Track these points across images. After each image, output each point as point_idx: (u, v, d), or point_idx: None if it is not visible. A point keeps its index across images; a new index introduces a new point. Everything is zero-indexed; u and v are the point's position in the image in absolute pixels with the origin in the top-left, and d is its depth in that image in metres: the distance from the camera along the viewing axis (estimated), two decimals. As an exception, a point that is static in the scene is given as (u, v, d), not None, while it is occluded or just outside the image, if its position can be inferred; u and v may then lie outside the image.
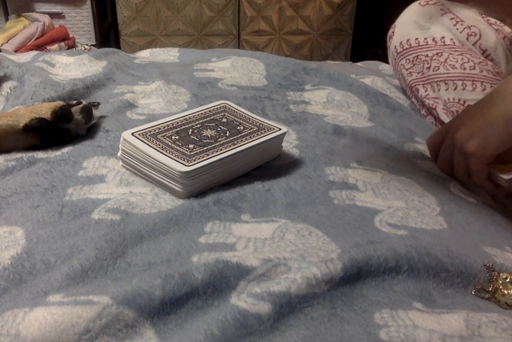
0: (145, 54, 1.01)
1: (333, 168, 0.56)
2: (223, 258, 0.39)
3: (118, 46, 2.47)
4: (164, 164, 0.49)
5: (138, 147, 0.50)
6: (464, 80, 0.79)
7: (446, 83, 0.81)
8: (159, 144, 0.51)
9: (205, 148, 0.52)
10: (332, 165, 0.57)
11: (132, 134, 0.52)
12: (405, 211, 0.50)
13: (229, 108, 0.61)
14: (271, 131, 0.56)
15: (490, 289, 0.40)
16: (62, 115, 0.59)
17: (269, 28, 2.36)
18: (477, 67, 0.79)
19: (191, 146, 0.52)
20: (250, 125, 0.57)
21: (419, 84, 0.84)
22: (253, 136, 0.55)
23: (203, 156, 0.50)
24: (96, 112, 0.65)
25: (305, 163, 0.57)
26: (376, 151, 0.62)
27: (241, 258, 0.39)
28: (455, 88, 0.80)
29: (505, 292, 0.40)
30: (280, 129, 0.57)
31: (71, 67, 0.82)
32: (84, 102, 0.63)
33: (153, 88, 0.76)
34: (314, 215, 0.48)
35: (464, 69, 0.79)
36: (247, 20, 2.43)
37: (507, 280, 0.40)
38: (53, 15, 2.24)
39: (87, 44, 2.24)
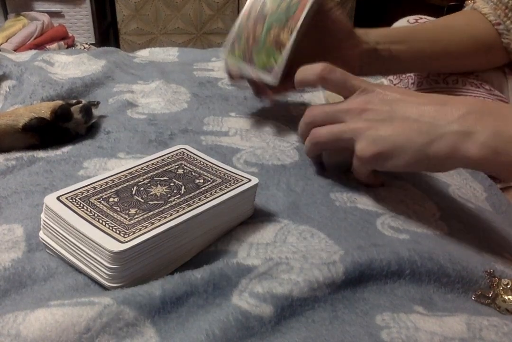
0: (144, 54, 1.01)
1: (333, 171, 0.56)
2: (223, 259, 0.39)
3: (117, 44, 2.47)
4: (92, 241, 0.36)
5: (61, 216, 0.38)
6: (448, 94, 0.79)
7: None
8: (90, 212, 0.39)
9: (151, 213, 0.39)
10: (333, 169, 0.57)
11: (58, 198, 0.40)
12: (406, 215, 0.49)
13: (187, 155, 0.49)
14: (238, 184, 0.44)
15: (490, 295, 0.40)
16: (61, 114, 0.59)
17: (268, 27, 2.36)
18: (460, 80, 0.79)
19: (132, 211, 0.40)
20: (212, 177, 0.45)
21: None
22: (215, 192, 0.43)
23: (145, 226, 0.38)
24: (96, 112, 0.65)
25: (305, 165, 0.57)
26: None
27: (242, 258, 0.39)
28: None
29: (506, 298, 0.40)
30: (249, 180, 0.45)
31: (70, 66, 0.82)
32: (83, 102, 0.63)
33: (153, 88, 0.76)
34: (316, 216, 0.48)
35: (447, 83, 0.80)
36: (247, 19, 2.41)
37: (508, 286, 0.40)
38: (52, 14, 2.24)
39: (86, 43, 2.24)
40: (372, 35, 0.67)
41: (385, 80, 0.88)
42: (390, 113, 0.44)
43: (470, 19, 0.77)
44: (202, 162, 0.48)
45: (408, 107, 0.43)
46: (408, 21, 0.87)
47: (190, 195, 0.42)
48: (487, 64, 0.80)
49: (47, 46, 2.01)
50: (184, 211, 0.40)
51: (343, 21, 0.62)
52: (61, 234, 0.39)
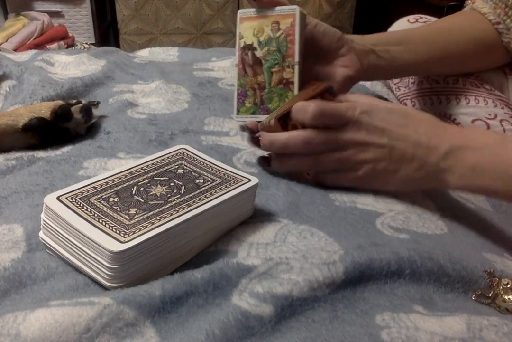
0: (144, 54, 1.02)
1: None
2: (223, 259, 0.39)
3: (117, 44, 2.47)
4: (92, 241, 0.36)
5: (61, 216, 0.38)
6: (448, 94, 0.79)
7: (430, 98, 0.81)
8: (90, 211, 0.39)
9: (150, 213, 0.39)
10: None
11: (58, 198, 0.40)
12: (406, 215, 0.50)
13: (188, 155, 0.49)
14: (238, 184, 0.44)
15: (490, 295, 0.40)
16: (61, 114, 0.59)
17: (268, 27, 2.35)
18: (460, 80, 0.79)
19: (132, 211, 0.40)
20: (212, 177, 0.45)
21: (407, 99, 0.84)
22: (215, 192, 0.43)
23: (145, 226, 0.38)
24: (96, 112, 0.65)
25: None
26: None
27: (242, 258, 0.39)
28: (440, 103, 0.80)
29: (506, 297, 0.40)
30: (249, 180, 0.45)
31: (70, 66, 0.82)
32: (83, 102, 0.63)
33: (153, 88, 0.76)
34: (316, 215, 0.48)
35: (447, 83, 0.80)
36: (247, 18, 2.41)
37: (508, 286, 0.40)
38: (52, 14, 2.24)
39: (86, 43, 2.24)
40: (368, 39, 0.68)
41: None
42: (388, 149, 0.50)
43: (469, 20, 0.77)
44: (202, 162, 0.48)
45: (404, 145, 0.49)
46: (408, 21, 0.87)
47: (190, 195, 0.42)
48: (488, 65, 0.80)
49: (47, 46, 2.01)
50: (184, 211, 0.40)
51: (331, 31, 0.64)
52: (61, 234, 0.39)
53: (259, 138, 0.53)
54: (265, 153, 0.56)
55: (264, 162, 0.56)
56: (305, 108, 0.50)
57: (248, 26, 0.61)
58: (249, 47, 0.61)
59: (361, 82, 0.84)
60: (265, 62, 0.60)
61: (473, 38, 0.75)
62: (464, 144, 0.48)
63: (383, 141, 0.50)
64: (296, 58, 0.58)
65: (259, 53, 0.60)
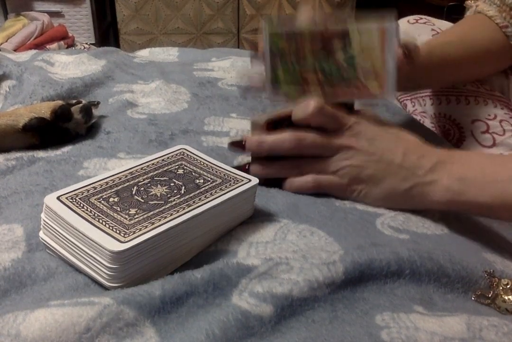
0: (144, 54, 1.02)
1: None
2: (223, 259, 0.39)
3: (117, 44, 2.47)
4: (92, 240, 0.36)
5: (61, 216, 0.38)
6: (448, 95, 0.79)
7: (431, 98, 0.82)
8: (90, 211, 0.39)
9: (151, 213, 0.39)
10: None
11: (58, 198, 0.40)
12: (406, 215, 0.50)
13: (188, 155, 0.49)
14: (238, 184, 0.44)
15: (490, 295, 0.40)
16: (61, 114, 0.59)
17: (268, 27, 2.36)
18: None
19: (132, 211, 0.40)
20: (212, 177, 0.45)
21: (407, 99, 0.84)
22: (216, 192, 0.43)
23: (145, 226, 0.38)
24: (96, 112, 0.65)
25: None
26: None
27: (242, 258, 0.39)
28: (440, 103, 0.80)
29: (506, 298, 0.40)
30: (250, 180, 0.45)
31: (70, 66, 0.82)
32: (83, 102, 0.63)
33: (153, 88, 0.76)
34: (316, 215, 0.48)
35: None
36: (247, 18, 2.42)
37: (508, 286, 0.40)
38: (52, 14, 2.24)
39: (86, 43, 2.24)
40: None
41: None
42: (377, 157, 0.49)
43: (478, 28, 0.76)
44: (202, 163, 0.48)
45: (392, 156, 0.49)
46: (408, 21, 0.87)
47: (190, 195, 0.42)
48: (495, 70, 0.80)
49: (47, 46, 2.01)
50: (184, 211, 0.40)
51: None
52: (61, 234, 0.39)
53: (243, 142, 0.52)
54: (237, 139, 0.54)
55: (237, 147, 0.53)
56: (308, 103, 0.50)
57: None
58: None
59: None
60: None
61: (484, 49, 0.75)
62: (452, 160, 0.48)
63: (372, 149, 0.49)
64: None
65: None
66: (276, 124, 0.52)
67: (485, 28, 0.75)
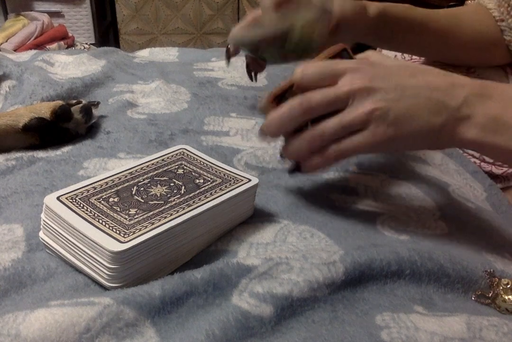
0: (144, 54, 1.01)
1: (332, 172, 0.56)
2: (223, 259, 0.39)
3: (117, 44, 2.47)
4: (92, 241, 0.36)
5: (61, 216, 0.38)
6: None
7: None
8: (90, 212, 0.39)
9: (150, 213, 0.39)
10: (332, 170, 0.57)
11: (58, 198, 0.40)
12: (406, 215, 0.49)
13: (187, 155, 0.49)
14: (238, 184, 0.44)
15: (490, 295, 0.40)
16: (61, 114, 0.59)
17: (268, 27, 2.36)
18: None
19: (132, 211, 0.40)
20: (212, 177, 0.45)
21: None
22: (215, 192, 0.43)
23: (145, 227, 0.38)
24: (96, 112, 0.65)
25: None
26: (376, 155, 0.62)
27: (242, 258, 0.39)
28: None
29: (506, 297, 0.40)
30: (249, 180, 0.45)
31: (70, 66, 0.82)
32: (84, 102, 0.63)
33: (153, 88, 0.76)
34: (316, 216, 0.48)
35: None
36: (247, 19, 2.41)
37: (508, 286, 0.40)
38: (52, 14, 2.24)
39: (86, 43, 2.24)
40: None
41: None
42: (400, 92, 0.42)
43: (476, 14, 0.77)
44: (202, 163, 0.48)
45: (416, 89, 0.42)
46: None
47: (190, 195, 0.42)
48: (488, 61, 0.80)
49: (47, 46, 2.01)
50: (184, 211, 0.40)
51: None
52: (61, 234, 0.39)
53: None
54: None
55: (294, 168, 0.49)
56: (306, 67, 0.44)
57: None
58: None
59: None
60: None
61: (480, 33, 0.75)
62: (485, 92, 0.42)
63: (391, 84, 0.42)
64: None
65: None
66: (281, 97, 0.47)
67: (480, 17, 0.76)
